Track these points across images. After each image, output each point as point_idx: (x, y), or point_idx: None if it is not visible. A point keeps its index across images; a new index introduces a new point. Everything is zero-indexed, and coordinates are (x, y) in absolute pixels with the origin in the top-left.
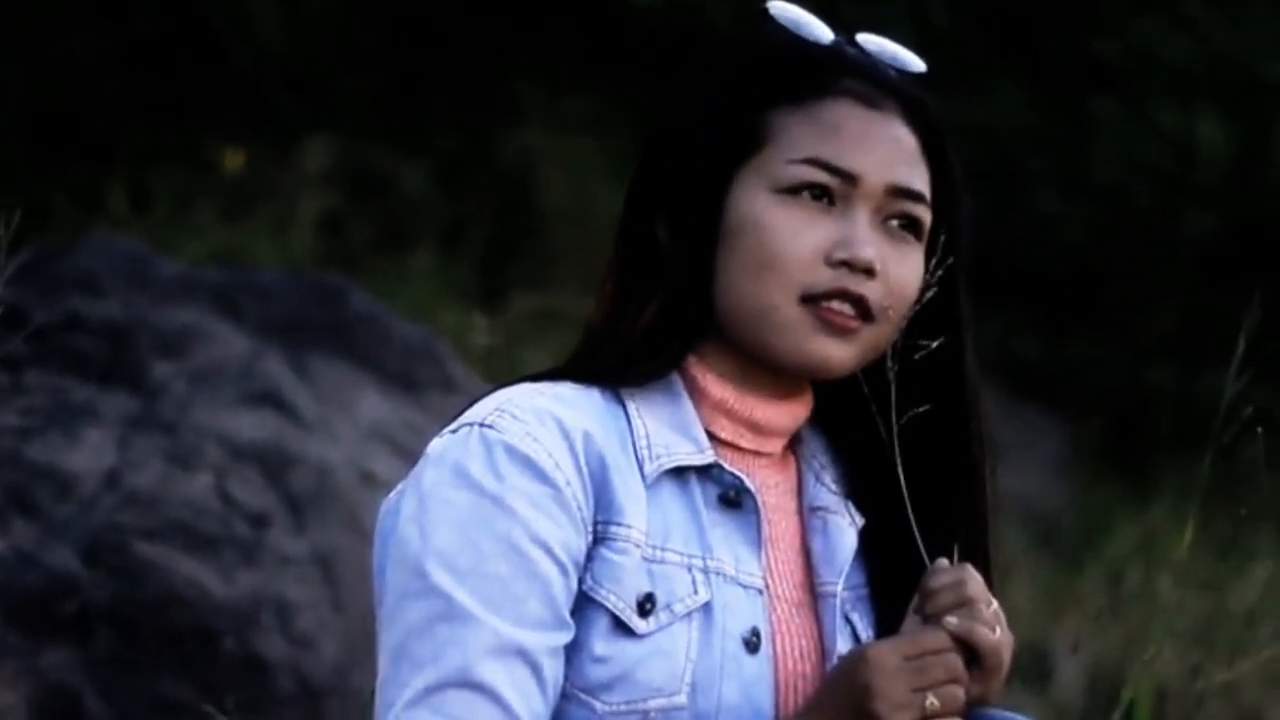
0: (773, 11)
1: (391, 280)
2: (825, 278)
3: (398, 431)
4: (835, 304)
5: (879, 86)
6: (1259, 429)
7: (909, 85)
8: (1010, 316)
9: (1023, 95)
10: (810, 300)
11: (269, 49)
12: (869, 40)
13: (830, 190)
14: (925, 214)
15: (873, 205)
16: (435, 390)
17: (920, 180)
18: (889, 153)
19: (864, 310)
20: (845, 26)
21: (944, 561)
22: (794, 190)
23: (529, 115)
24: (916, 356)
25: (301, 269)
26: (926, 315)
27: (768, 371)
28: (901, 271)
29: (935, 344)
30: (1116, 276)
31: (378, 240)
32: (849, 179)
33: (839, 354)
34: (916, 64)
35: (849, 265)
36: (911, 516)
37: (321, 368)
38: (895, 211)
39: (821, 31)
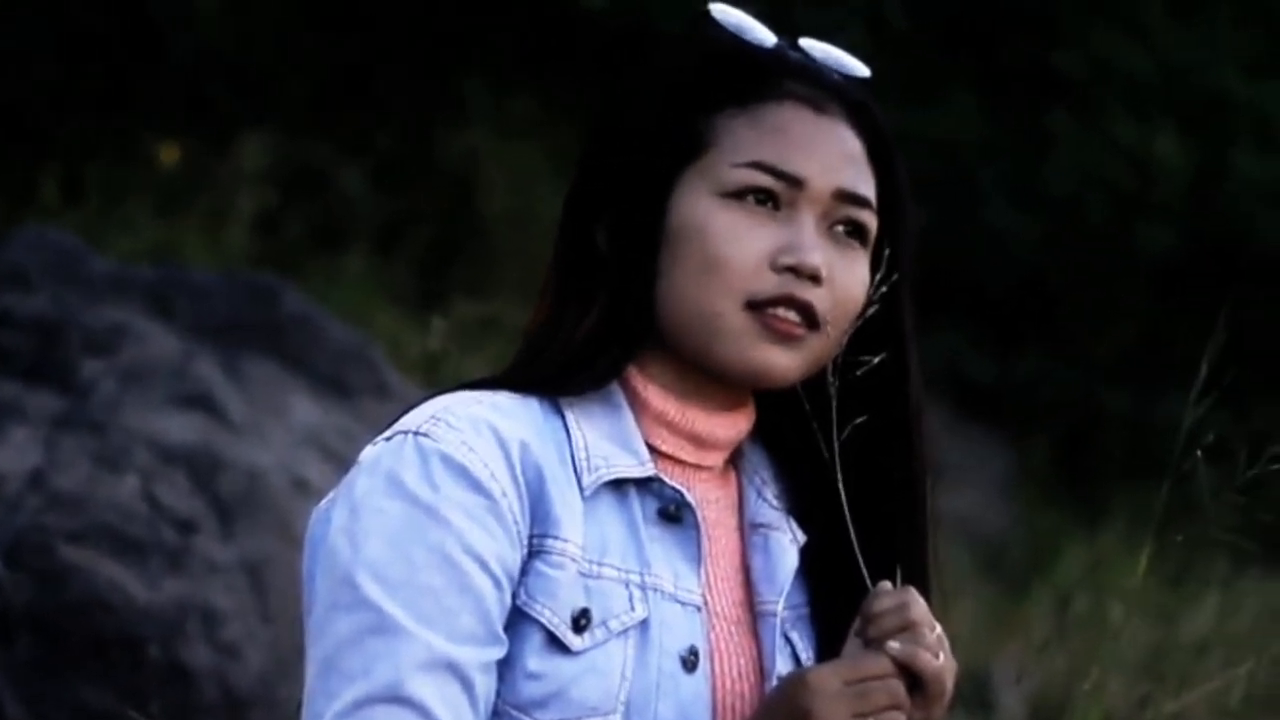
0: (715, 14)
1: (327, 282)
2: (771, 284)
3: (330, 437)
4: (781, 311)
5: (824, 90)
6: (1219, 456)
7: (854, 90)
8: (957, 331)
9: (977, 104)
10: (755, 307)
11: (209, 41)
12: (813, 45)
13: (775, 194)
14: (871, 220)
15: (819, 210)
16: (369, 396)
17: (866, 185)
18: (835, 157)
19: (810, 318)
20: (800, 30)
21: (887, 584)
22: (738, 194)
23: (473, 115)
24: (859, 373)
25: (236, 268)
26: (870, 329)
27: (710, 382)
28: (847, 278)
29: (878, 359)
30: (1069, 293)
31: (314, 240)
32: (794, 183)
33: (784, 362)
34: (861, 69)
35: (795, 271)
36: (854, 535)
37: (254, 370)
38: (841, 217)
39: (764, 35)
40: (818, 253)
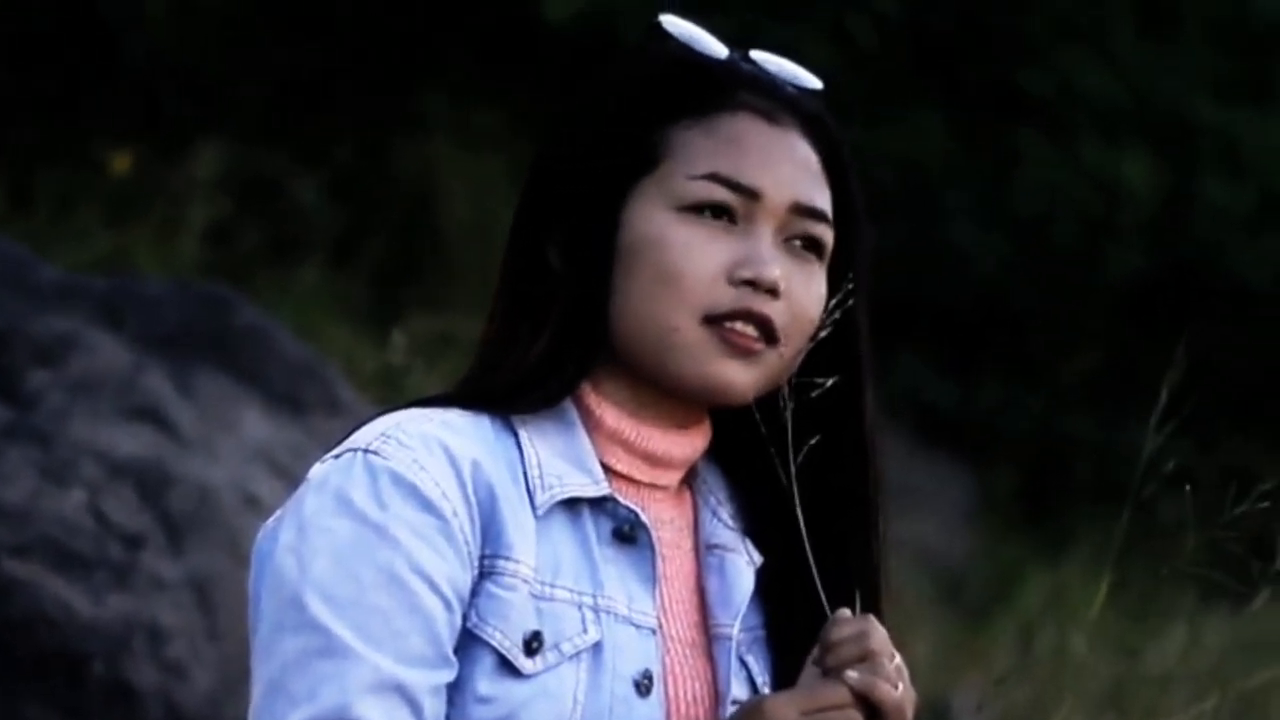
0: (666, 26)
1: (281, 295)
2: (728, 297)
3: (281, 453)
4: (739, 325)
5: (778, 102)
6: (1186, 486)
7: (808, 102)
8: (919, 354)
9: (943, 122)
10: (713, 321)
11: (162, 46)
12: (765, 57)
13: (731, 208)
14: (828, 234)
15: (775, 224)
16: (321, 412)
17: (823, 199)
18: (792, 170)
19: (768, 332)
20: (765, 45)
21: (846, 612)
22: (694, 207)
23: (432, 127)
24: (814, 394)
25: (187, 279)
26: (824, 347)
27: (666, 399)
28: (805, 292)
29: (831, 382)
30: (1034, 317)
31: (268, 252)
32: (751, 196)
33: (741, 377)
34: (813, 81)
35: (753, 284)
36: (811, 560)
37: (204, 383)
38: (797, 231)
39: (716, 46)
40: (776, 266)
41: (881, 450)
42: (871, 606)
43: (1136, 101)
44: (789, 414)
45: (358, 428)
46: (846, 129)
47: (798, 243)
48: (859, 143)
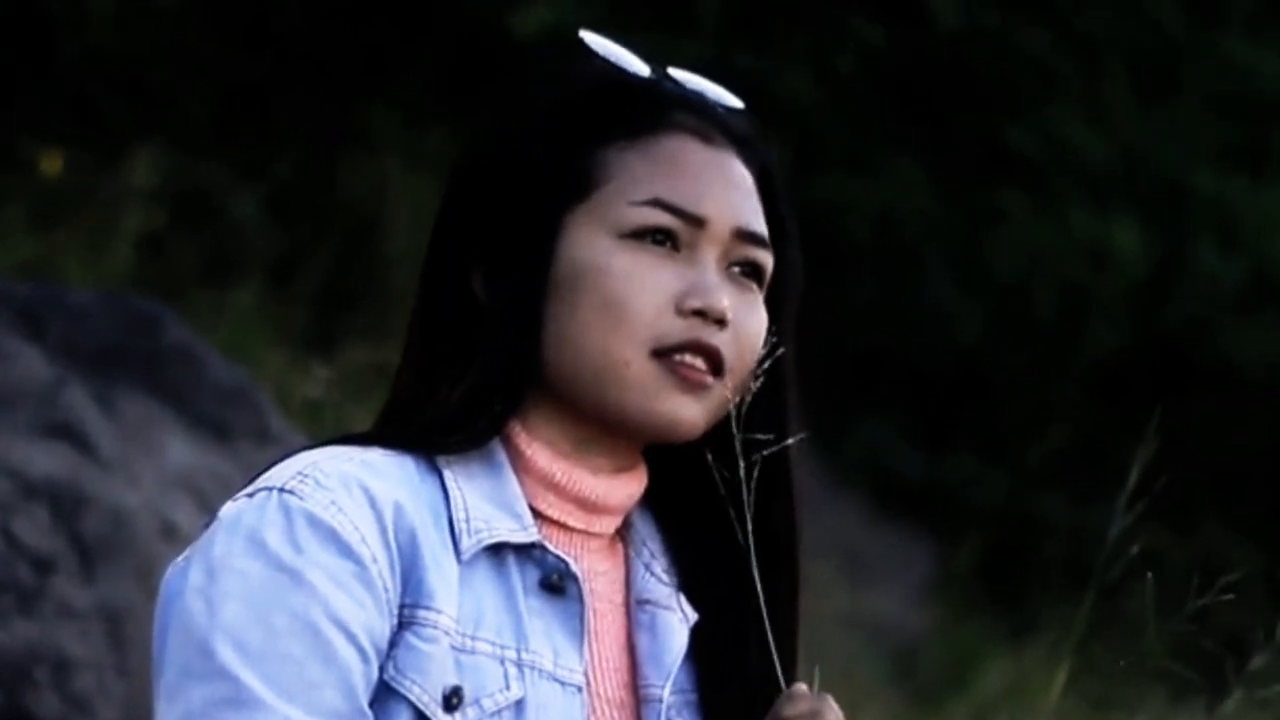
0: (590, 44)
1: (214, 314)
2: (677, 328)
3: (204, 482)
4: (688, 357)
5: (710, 122)
6: (1149, 573)
7: (739, 121)
8: (884, 418)
9: (923, 175)
10: (662, 354)
11: (102, 45)
12: (685, 76)
13: (675, 234)
14: (768, 260)
15: (719, 250)
16: (249, 441)
17: (761, 223)
18: (733, 194)
19: (716, 364)
20: (739, 76)
21: (802, 687)
22: (637, 234)
23: (381, 145)
24: (766, 453)
25: (116, 291)
26: (751, 404)
27: (602, 439)
28: (750, 322)
29: (795, 439)
30: (1007, 387)
31: (202, 268)
32: (696, 222)
33: (690, 413)
34: (736, 100)
35: (702, 314)
36: (768, 625)
37: (128, 403)
38: (739, 257)
39: (639, 65)
40: (724, 295)
41: (804, 505)
42: (789, 672)
43: (1129, 165)
44: (742, 472)
45: (272, 465)
46: (824, 176)
47: (737, 269)
48: (835, 193)
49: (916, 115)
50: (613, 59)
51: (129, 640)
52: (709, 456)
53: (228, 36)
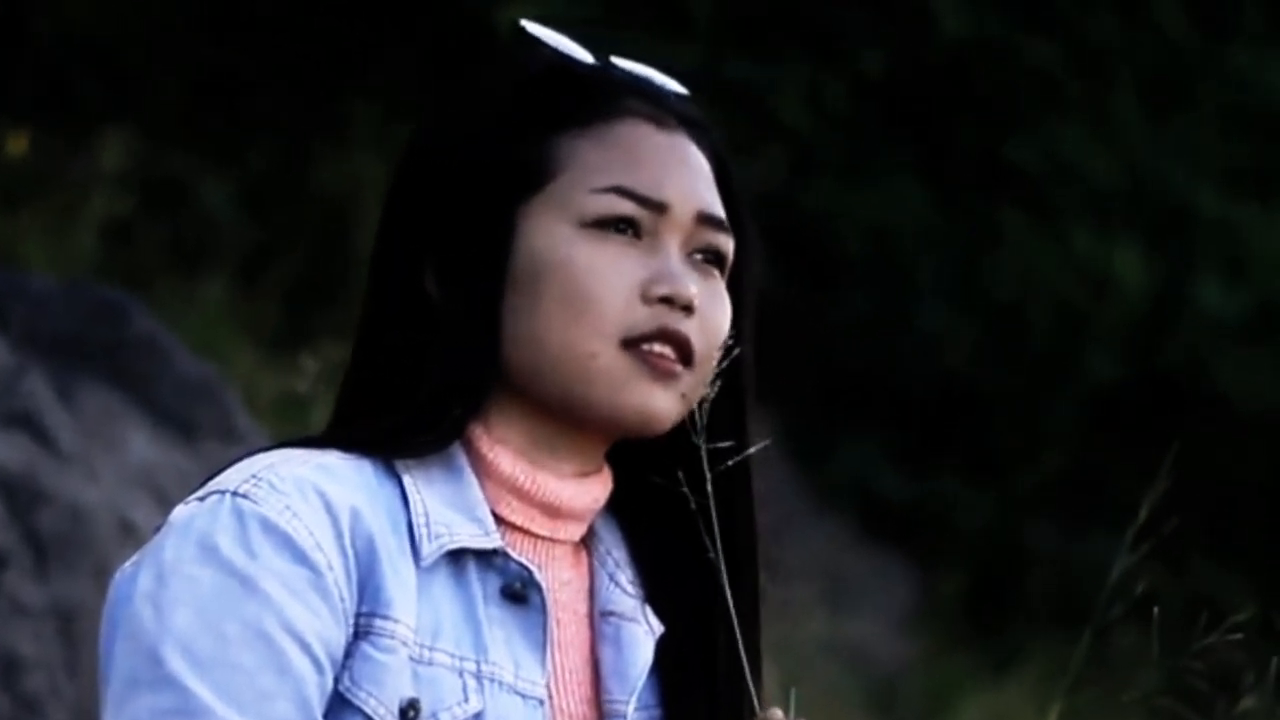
0: (534, 33)
1: (181, 306)
2: (644, 317)
3: (166, 479)
4: (657, 346)
5: (662, 107)
6: (1154, 609)
7: (688, 106)
8: (871, 439)
9: (920, 190)
10: (631, 344)
11: (75, 24)
12: (629, 64)
13: (638, 222)
14: (729, 245)
15: (681, 236)
16: (214, 438)
17: (720, 208)
18: (692, 178)
19: (685, 353)
20: (732, 82)
21: (777, 713)
22: (599, 223)
23: (357, 138)
24: (732, 462)
25: (81, 279)
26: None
27: (568, 439)
28: (716, 309)
29: (761, 445)
30: (999, 411)
31: (171, 258)
32: (658, 209)
33: (663, 403)
34: (680, 87)
35: (669, 302)
36: (740, 638)
37: (90, 395)
38: (701, 243)
39: (583, 53)
40: (690, 281)
41: (764, 512)
42: (758, 688)
43: (1134, 185)
44: (709, 484)
45: (226, 468)
46: (817, 186)
47: (700, 256)
48: (827, 205)
49: (914, 125)
50: (558, 48)
51: (82, 640)
52: (678, 470)
53: (206, 20)
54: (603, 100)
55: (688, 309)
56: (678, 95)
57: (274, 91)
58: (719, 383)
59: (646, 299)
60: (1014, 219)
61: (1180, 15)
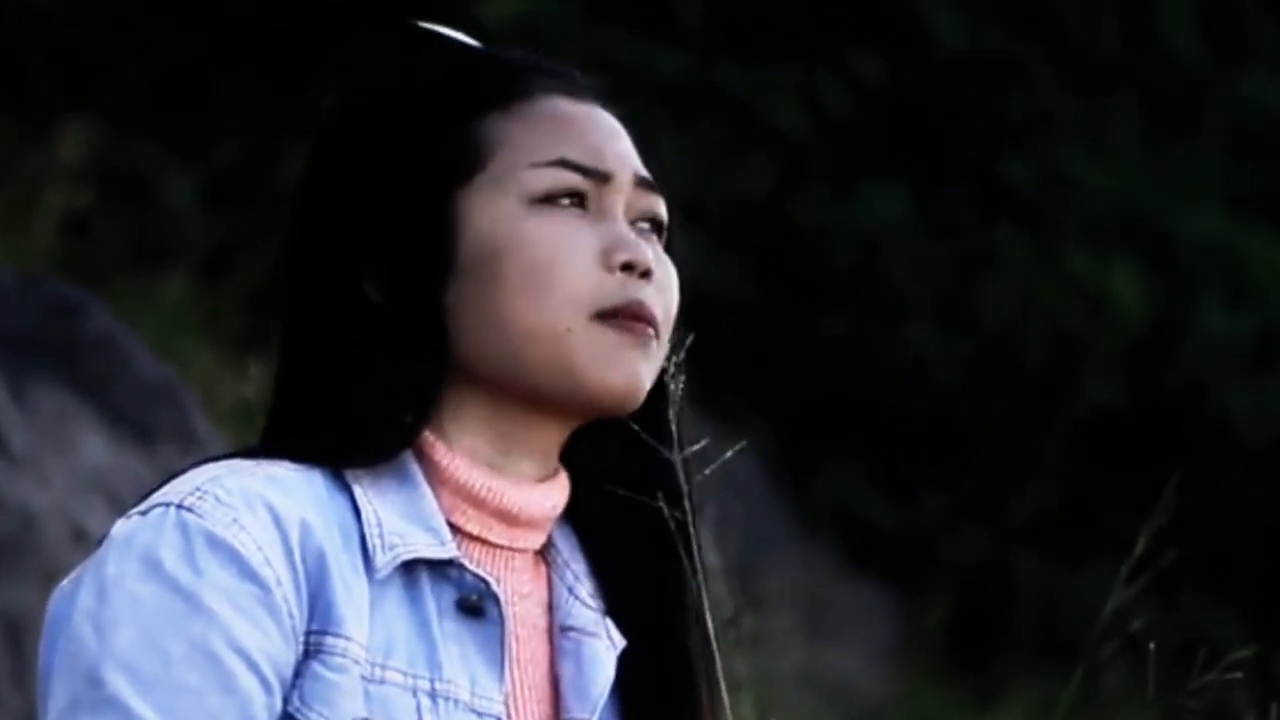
0: (426, 28)
1: (140, 305)
2: (611, 286)
3: (122, 485)
4: (630, 314)
5: (571, 81)
6: (1151, 644)
7: (592, 79)
8: (855, 463)
9: (912, 204)
10: (605, 316)
11: (32, 7)
12: (511, 50)
13: (583, 192)
14: (664, 208)
15: (624, 204)
16: (173, 443)
17: (646, 172)
18: (622, 143)
19: (652, 320)
20: (728, 92)
21: None
22: (548, 197)
23: None
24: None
25: (36, 273)
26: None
27: (528, 438)
28: (668, 275)
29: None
30: (989, 437)
31: (131, 254)
32: (602, 178)
33: (646, 372)
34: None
35: (630, 268)
36: (715, 647)
37: (42, 394)
38: (643, 209)
39: (474, 43)
40: (645, 247)
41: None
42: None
43: (1134, 207)
44: (688, 492)
45: (169, 480)
46: (805, 199)
47: (645, 225)
48: (816, 216)
49: (908, 139)
50: (457, 39)
51: (30, 650)
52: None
53: (171, 7)
54: (517, 81)
55: (646, 275)
56: (579, 71)
57: (241, 83)
58: (677, 364)
59: (608, 267)
60: (1008, 238)
61: (1188, 34)
